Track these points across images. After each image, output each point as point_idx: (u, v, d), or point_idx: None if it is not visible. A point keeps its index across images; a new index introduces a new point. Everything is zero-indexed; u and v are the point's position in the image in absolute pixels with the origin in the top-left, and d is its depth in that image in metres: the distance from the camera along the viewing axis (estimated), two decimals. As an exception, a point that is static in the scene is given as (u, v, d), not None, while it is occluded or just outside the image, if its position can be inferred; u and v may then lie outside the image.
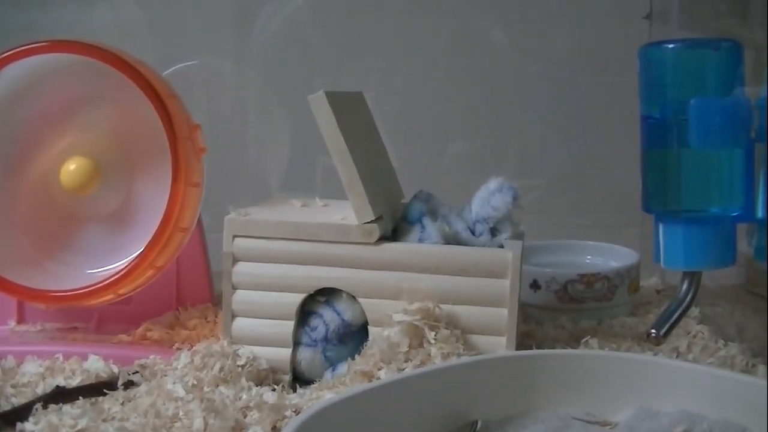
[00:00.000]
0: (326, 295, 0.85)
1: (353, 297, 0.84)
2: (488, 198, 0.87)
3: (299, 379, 0.86)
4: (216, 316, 0.99)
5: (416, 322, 0.81)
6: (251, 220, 0.85)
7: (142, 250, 0.87)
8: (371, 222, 0.83)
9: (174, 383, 0.80)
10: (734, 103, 0.78)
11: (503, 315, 0.82)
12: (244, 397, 0.78)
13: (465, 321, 0.83)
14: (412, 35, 1.33)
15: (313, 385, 0.83)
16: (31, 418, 0.74)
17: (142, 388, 0.81)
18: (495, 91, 1.34)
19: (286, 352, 0.85)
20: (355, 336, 0.86)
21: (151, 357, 0.88)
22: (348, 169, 0.82)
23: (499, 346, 0.82)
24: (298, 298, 0.85)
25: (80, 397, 0.79)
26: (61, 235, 0.94)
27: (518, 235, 0.88)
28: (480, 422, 0.69)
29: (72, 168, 0.90)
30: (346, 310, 0.85)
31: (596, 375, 0.73)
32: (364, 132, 0.91)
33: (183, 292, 1.01)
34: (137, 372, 0.84)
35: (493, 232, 0.87)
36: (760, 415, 0.65)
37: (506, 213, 0.86)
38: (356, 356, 0.83)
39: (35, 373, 0.84)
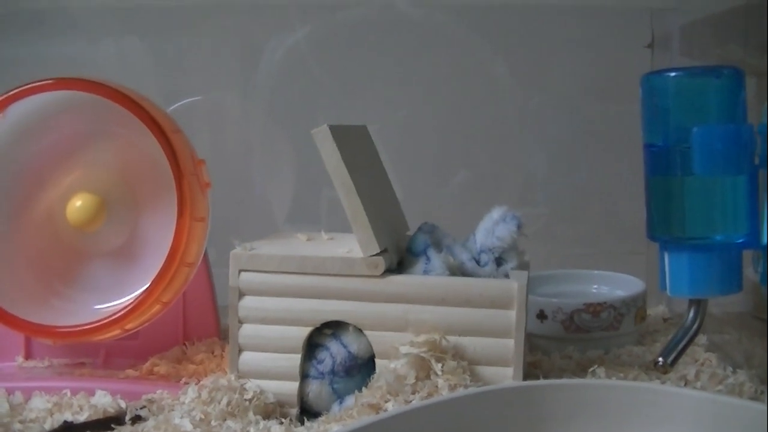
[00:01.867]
0: (333, 327, 0.85)
1: (359, 330, 0.84)
2: (492, 228, 0.87)
3: (307, 412, 0.86)
4: (223, 350, 0.99)
5: (423, 354, 0.81)
6: (257, 255, 0.86)
7: (148, 285, 0.87)
8: (376, 255, 0.83)
9: (181, 417, 0.79)
10: (737, 129, 0.78)
11: (510, 346, 0.82)
12: (252, 431, 0.78)
13: (471, 352, 0.83)
14: (415, 68, 1.33)
15: (320, 418, 0.83)
16: (38, 455, 0.74)
17: (150, 422, 0.81)
18: (497, 121, 1.35)
19: (293, 386, 0.85)
20: (362, 368, 0.85)
21: (159, 391, 0.88)
22: (353, 202, 0.82)
23: (506, 376, 0.82)
24: (304, 331, 0.85)
25: (88, 433, 0.79)
26: (67, 270, 0.94)
27: (524, 265, 0.88)
28: (488, 453, 0.69)
29: (78, 204, 0.90)
30: (352, 343, 0.84)
31: (604, 404, 0.72)
32: (369, 165, 0.91)
33: (189, 327, 1.01)
34: (145, 407, 0.84)
35: (499, 261, 0.87)
36: (769, 443, 0.65)
37: (511, 242, 0.86)
38: (363, 389, 0.82)
39: (43, 409, 0.84)
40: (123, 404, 0.85)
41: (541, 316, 1.02)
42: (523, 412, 0.72)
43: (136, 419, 0.82)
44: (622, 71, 1.27)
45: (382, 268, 0.83)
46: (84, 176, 0.93)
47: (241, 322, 0.86)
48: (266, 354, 0.86)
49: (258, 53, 1.32)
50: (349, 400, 0.83)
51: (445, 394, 0.78)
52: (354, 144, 0.87)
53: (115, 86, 0.88)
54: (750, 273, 0.84)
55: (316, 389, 0.85)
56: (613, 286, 1.12)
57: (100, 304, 0.92)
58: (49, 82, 0.88)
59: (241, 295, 0.86)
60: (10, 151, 0.92)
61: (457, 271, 0.86)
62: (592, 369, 0.90)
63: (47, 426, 0.81)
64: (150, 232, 0.93)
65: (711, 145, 0.78)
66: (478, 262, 0.87)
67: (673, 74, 0.80)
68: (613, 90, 1.31)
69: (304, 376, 0.86)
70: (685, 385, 0.89)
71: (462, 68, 1.34)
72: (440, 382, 0.79)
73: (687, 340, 0.83)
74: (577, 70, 1.32)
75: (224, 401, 0.82)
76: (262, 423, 0.80)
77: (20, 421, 0.82)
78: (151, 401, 0.86)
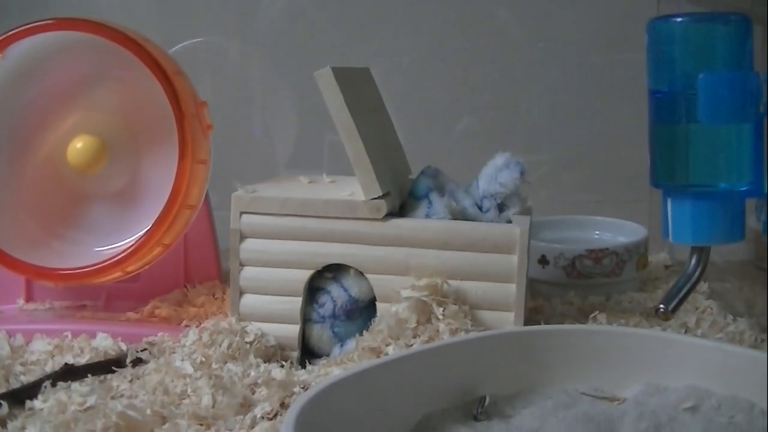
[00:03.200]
0: (334, 271, 0.85)
1: (361, 273, 0.84)
2: (495, 174, 0.86)
3: (308, 355, 0.86)
4: (224, 293, 0.99)
5: (424, 298, 0.81)
6: (258, 197, 0.85)
7: (149, 227, 0.87)
8: (379, 198, 0.83)
9: (182, 360, 0.80)
10: (743, 77, 0.78)
11: (511, 291, 0.82)
12: (253, 373, 0.78)
13: (473, 297, 0.83)
14: (419, 13, 1.32)
15: (321, 362, 0.83)
16: (40, 396, 0.75)
17: (151, 365, 0.81)
18: (502, 68, 1.34)
19: (294, 329, 0.85)
20: (363, 312, 0.86)
21: (160, 334, 0.88)
22: (355, 144, 0.81)
23: (507, 321, 0.82)
24: (305, 274, 0.85)
25: (89, 375, 0.79)
26: (68, 213, 0.94)
27: (526, 211, 0.87)
28: (488, 398, 0.69)
29: (79, 146, 0.90)
30: (353, 286, 0.84)
31: (604, 351, 0.72)
32: (371, 108, 0.91)
33: (191, 270, 1.02)
34: (145, 349, 0.84)
35: (501, 208, 0.86)
36: (769, 390, 0.65)
37: (514, 189, 0.86)
38: (364, 332, 0.83)
39: (44, 351, 0.85)
40: (124, 347, 0.86)
41: (543, 261, 1.02)
42: (524, 357, 0.72)
43: (137, 362, 0.82)
44: (627, 17, 1.26)
45: (384, 211, 0.83)
46: (85, 119, 0.93)
47: (242, 265, 0.86)
48: (267, 297, 0.86)
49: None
50: (350, 344, 0.84)
51: (446, 338, 0.78)
52: (357, 86, 0.87)
53: (116, 27, 0.87)
54: (752, 222, 0.83)
55: (317, 333, 0.85)
56: (616, 232, 1.12)
57: (101, 246, 0.92)
58: (50, 22, 0.87)
59: (243, 237, 0.86)
60: (10, 92, 0.92)
61: (459, 216, 0.85)
62: (593, 315, 0.90)
63: (48, 368, 0.81)
64: (151, 174, 0.92)
65: (717, 92, 0.77)
66: (480, 208, 0.87)
67: (679, 20, 0.80)
68: (618, 36, 1.30)
69: (305, 320, 0.86)
70: (686, 332, 0.89)
71: (467, 14, 1.33)
72: (441, 326, 0.79)
73: (688, 287, 0.82)
74: (582, 16, 1.31)
75: (225, 344, 0.82)
76: (263, 366, 0.80)
77: (21, 364, 0.82)
78: (151, 344, 0.86)
